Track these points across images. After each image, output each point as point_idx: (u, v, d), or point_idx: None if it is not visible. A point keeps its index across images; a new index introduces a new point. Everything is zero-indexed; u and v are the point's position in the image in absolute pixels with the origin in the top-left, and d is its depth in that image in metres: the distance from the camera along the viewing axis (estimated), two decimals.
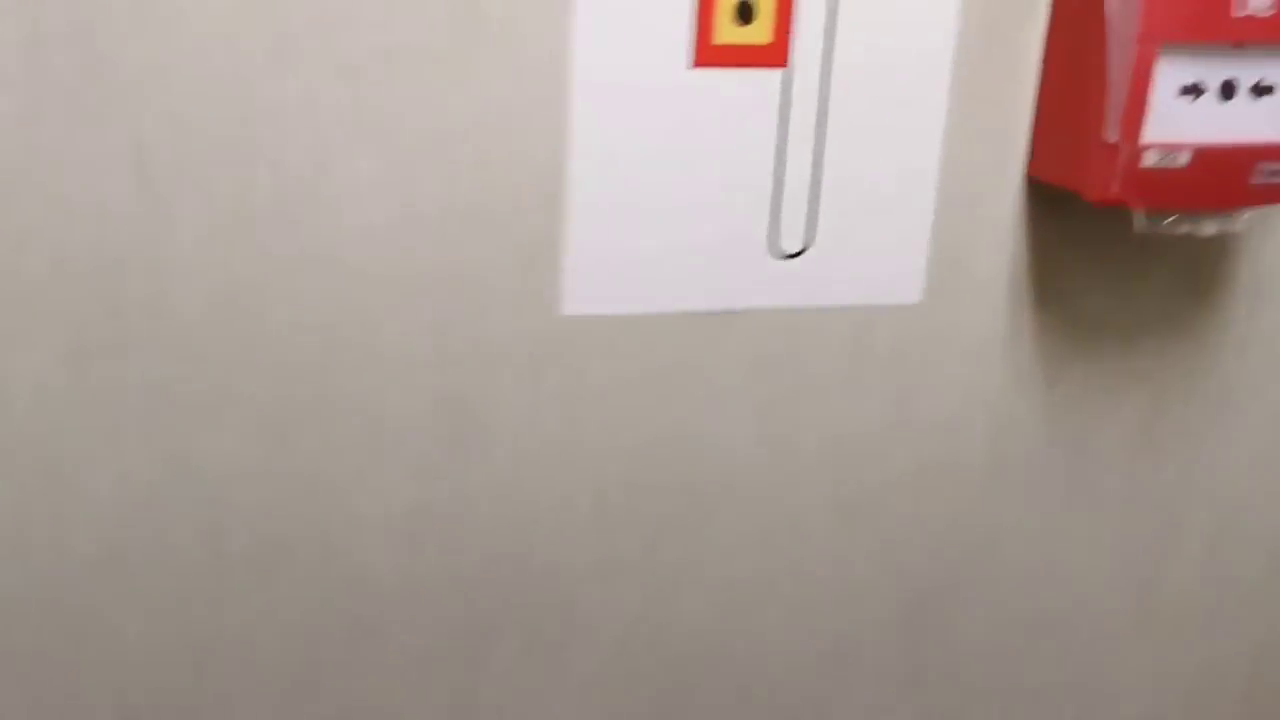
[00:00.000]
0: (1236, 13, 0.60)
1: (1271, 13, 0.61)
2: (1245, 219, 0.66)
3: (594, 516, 0.71)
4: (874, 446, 0.74)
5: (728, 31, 0.63)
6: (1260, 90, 0.63)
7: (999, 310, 0.73)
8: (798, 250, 0.68)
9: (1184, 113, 0.62)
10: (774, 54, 0.64)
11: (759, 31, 0.64)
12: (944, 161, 0.69)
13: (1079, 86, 0.65)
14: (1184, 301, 0.76)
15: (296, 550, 0.67)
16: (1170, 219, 0.65)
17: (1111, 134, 0.62)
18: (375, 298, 0.63)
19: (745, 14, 0.63)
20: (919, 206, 0.69)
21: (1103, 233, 0.72)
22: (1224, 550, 0.83)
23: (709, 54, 0.63)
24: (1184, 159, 0.62)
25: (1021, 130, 0.69)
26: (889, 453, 0.75)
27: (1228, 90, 0.63)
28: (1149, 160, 0.62)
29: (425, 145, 0.61)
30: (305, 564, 0.67)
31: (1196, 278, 0.76)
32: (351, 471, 0.67)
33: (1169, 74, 0.61)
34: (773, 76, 0.65)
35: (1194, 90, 0.62)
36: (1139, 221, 0.64)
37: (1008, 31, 0.67)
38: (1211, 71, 0.62)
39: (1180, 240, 0.70)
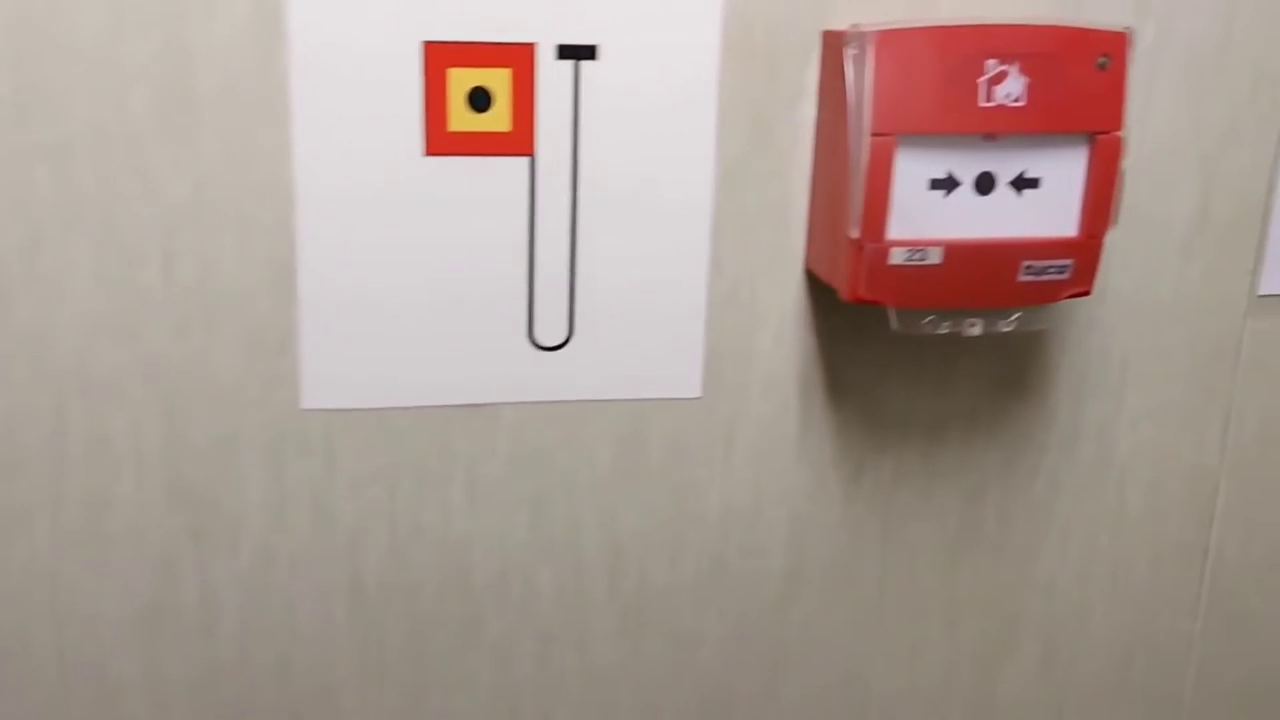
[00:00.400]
0: (983, 103, 0.57)
1: (1022, 103, 0.57)
2: (1018, 318, 0.61)
3: (352, 615, 0.68)
4: (659, 544, 0.71)
5: (463, 119, 0.61)
6: (1023, 183, 0.59)
7: (788, 405, 0.69)
8: (558, 343, 0.65)
9: (936, 208, 0.59)
10: (516, 142, 0.62)
11: (497, 119, 0.61)
12: (715, 252, 0.65)
13: (831, 179, 0.62)
14: (998, 397, 0.72)
15: (31, 652, 0.65)
16: (928, 319, 0.60)
17: (854, 230, 0.58)
18: (100, 386, 0.62)
19: (481, 101, 0.61)
20: (690, 298, 0.66)
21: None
22: (1061, 655, 0.78)
23: (444, 142, 0.61)
24: (936, 256, 0.58)
25: (799, 220, 0.66)
26: (677, 551, 0.71)
27: (984, 184, 0.59)
28: (896, 258, 0.58)
29: (144, 233, 0.59)
30: (39, 665, 0.65)
31: (1010, 372, 0.72)
32: (85, 568, 0.64)
33: (913, 168, 0.58)
34: (519, 164, 0.62)
35: (947, 184, 0.58)
36: (894, 321, 0.60)
37: (777, 112, 0.64)
38: (965, 165, 0.58)
39: (987, 335, 0.66)
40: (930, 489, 0.73)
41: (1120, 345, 0.73)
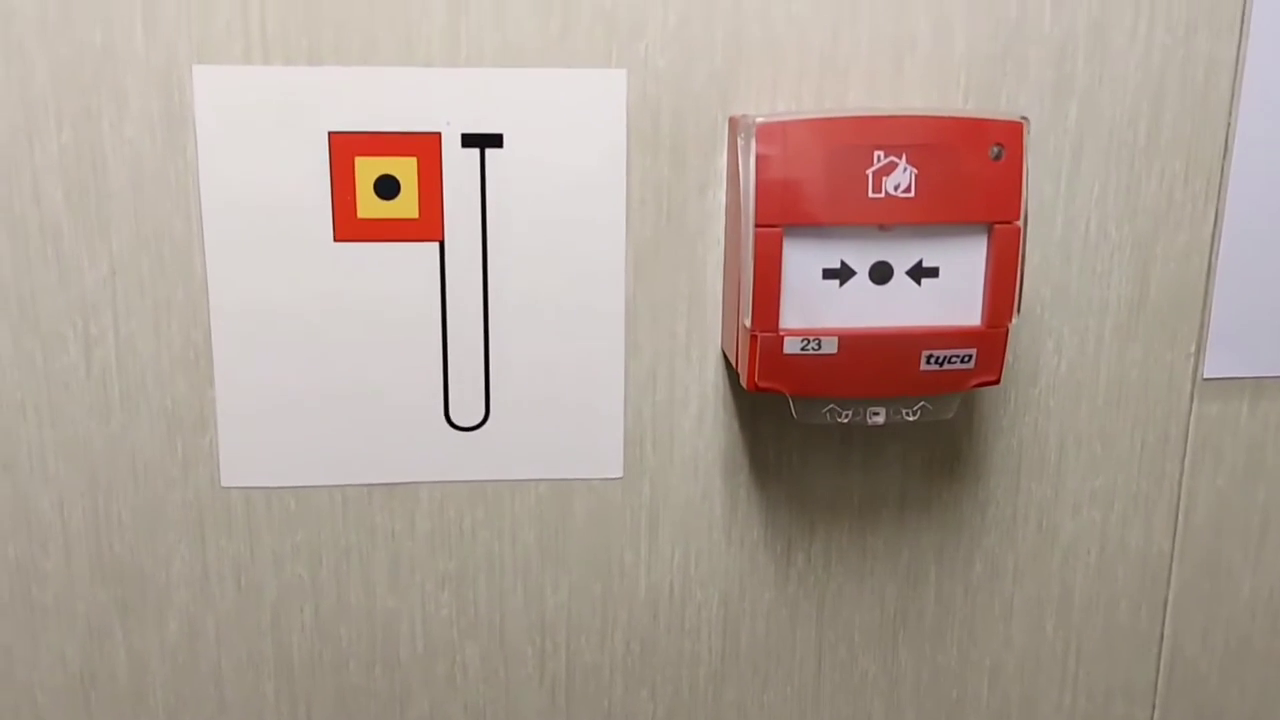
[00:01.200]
0: (872, 194, 0.56)
1: (912, 194, 0.56)
2: (922, 407, 0.61)
3: (279, 688, 0.69)
4: (587, 624, 0.71)
5: (371, 206, 0.62)
6: (921, 273, 0.59)
7: (713, 485, 0.69)
8: (475, 424, 0.66)
9: (831, 297, 0.58)
10: (425, 228, 0.63)
11: (405, 206, 0.62)
12: (630, 335, 0.66)
13: (731, 267, 0.62)
14: (930, 479, 0.71)
15: None
16: (828, 407, 0.60)
17: (745, 319, 0.58)
18: (25, 465, 0.64)
19: (388, 189, 0.62)
20: (608, 379, 0.66)
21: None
22: None
23: (353, 229, 0.62)
24: (831, 346, 0.58)
25: (714, 305, 0.66)
26: (605, 631, 0.71)
27: (880, 274, 0.58)
28: (791, 347, 0.58)
29: (59, 318, 0.62)
30: None
31: (941, 454, 0.70)
32: (16, 635, 0.66)
33: (805, 257, 0.58)
34: (428, 249, 0.63)
35: (841, 274, 0.58)
36: (794, 410, 0.60)
37: (686, 198, 0.64)
38: (859, 254, 0.58)
39: (915, 422, 0.65)
40: (864, 571, 0.72)
41: (1056, 428, 0.71)
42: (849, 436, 0.69)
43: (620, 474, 0.68)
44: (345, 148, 0.61)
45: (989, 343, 0.59)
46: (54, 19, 0.58)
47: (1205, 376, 0.71)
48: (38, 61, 0.59)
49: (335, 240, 0.62)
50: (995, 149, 0.56)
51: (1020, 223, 0.57)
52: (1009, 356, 0.65)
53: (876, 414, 0.60)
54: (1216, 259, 0.69)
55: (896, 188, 0.56)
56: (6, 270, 0.61)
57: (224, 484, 0.66)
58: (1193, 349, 0.70)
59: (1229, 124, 0.67)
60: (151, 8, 0.59)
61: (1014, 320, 0.59)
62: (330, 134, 0.61)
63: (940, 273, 0.58)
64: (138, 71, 0.59)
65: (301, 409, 0.64)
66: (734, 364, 0.62)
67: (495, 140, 0.62)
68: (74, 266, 0.61)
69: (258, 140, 0.60)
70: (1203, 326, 0.70)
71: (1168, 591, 0.75)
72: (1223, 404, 0.71)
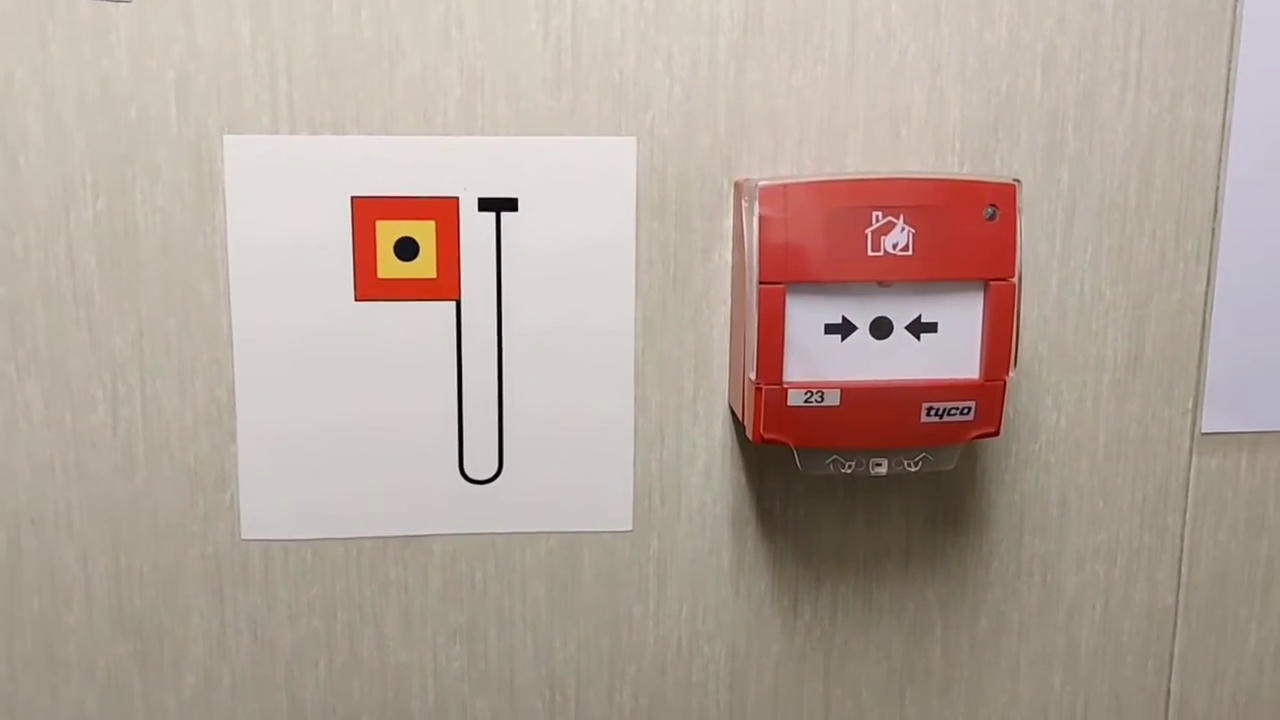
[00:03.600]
0: (871, 253, 0.59)
1: (909, 252, 0.59)
2: (923, 459, 0.62)
3: None
4: (596, 677, 0.72)
5: (391, 267, 0.65)
6: (920, 328, 0.61)
7: (720, 538, 0.71)
8: (488, 477, 0.68)
9: (833, 351, 0.60)
10: (442, 288, 0.65)
11: (423, 267, 0.65)
12: (639, 391, 0.68)
13: (738, 324, 0.64)
14: (934, 534, 0.72)
15: None
16: (831, 458, 0.62)
17: (751, 373, 0.60)
18: (51, 521, 0.66)
19: (408, 251, 0.65)
20: (617, 434, 0.68)
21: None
22: None
23: (373, 288, 0.65)
24: (834, 398, 0.60)
25: (720, 362, 0.68)
26: (614, 685, 0.72)
27: (881, 328, 0.60)
28: (794, 400, 0.60)
29: (91, 380, 0.64)
30: None
31: (944, 509, 0.72)
32: (38, 689, 0.68)
33: (807, 313, 0.60)
34: (445, 308, 0.66)
35: (842, 329, 0.60)
36: (798, 461, 0.62)
37: (692, 260, 0.66)
38: (859, 310, 0.60)
39: (917, 473, 0.66)
40: (870, 624, 0.73)
41: (1058, 483, 0.72)
42: (853, 490, 0.71)
43: (629, 527, 0.70)
44: (367, 212, 0.64)
45: (987, 395, 0.61)
46: (92, 97, 0.62)
47: (1203, 431, 0.72)
48: (76, 136, 0.62)
49: (356, 300, 0.65)
50: (989, 209, 0.59)
51: (1015, 279, 0.59)
52: (1008, 410, 0.67)
53: (879, 465, 0.62)
54: (1210, 316, 0.71)
55: (895, 246, 0.58)
56: (40, 334, 0.64)
57: (244, 537, 0.67)
58: (1190, 405, 0.72)
59: (1218, 186, 0.69)
60: (184, 84, 0.62)
61: (1011, 373, 0.61)
62: (353, 198, 0.64)
63: (939, 328, 0.60)
64: (170, 143, 0.62)
65: (321, 463, 0.66)
66: (740, 417, 0.64)
67: (510, 204, 0.64)
68: (104, 329, 0.64)
69: (284, 205, 0.63)
70: (1199, 382, 0.72)
71: (1173, 646, 0.76)
72: (1221, 458, 0.73)
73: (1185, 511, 0.74)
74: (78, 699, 0.69)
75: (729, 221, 0.66)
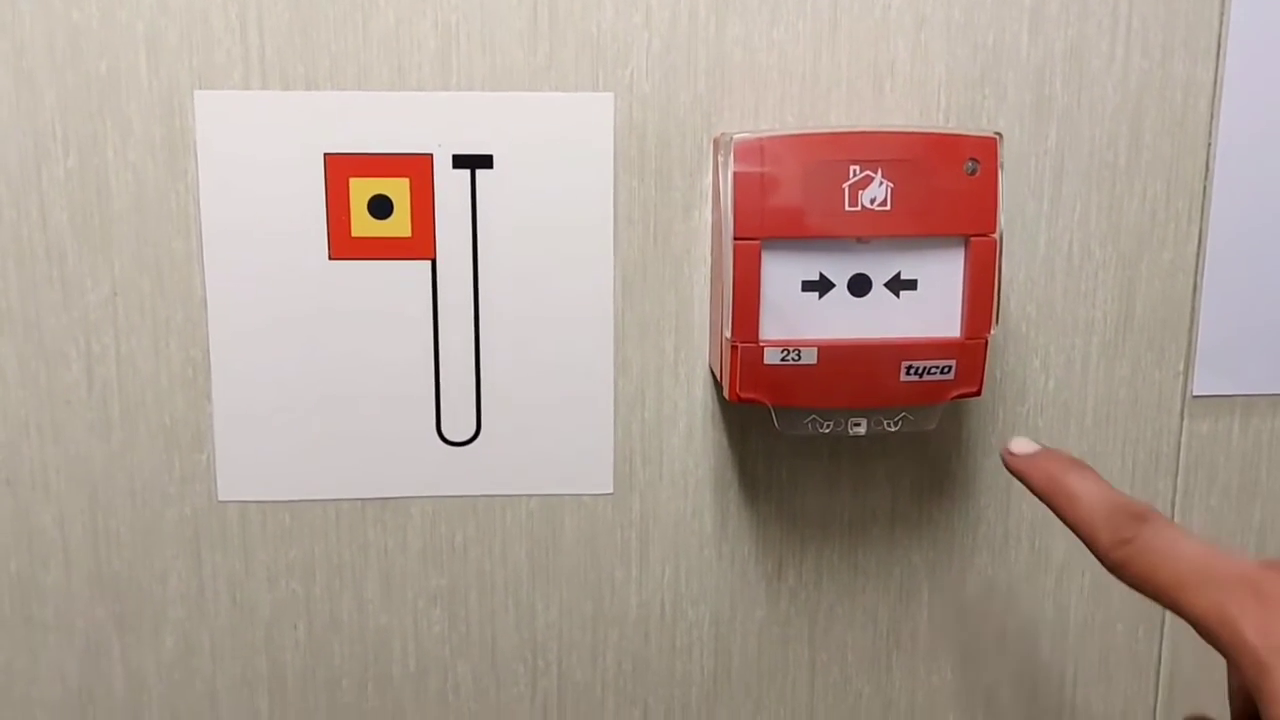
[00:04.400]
0: (849, 208, 0.58)
1: (888, 207, 0.58)
2: (903, 418, 0.61)
3: (273, 705, 0.70)
4: (578, 642, 0.71)
5: (365, 225, 0.64)
6: (899, 285, 0.60)
7: (703, 502, 0.70)
8: (466, 439, 0.67)
9: (810, 309, 0.59)
10: (417, 246, 0.65)
11: (398, 225, 0.64)
12: (619, 353, 0.67)
13: (716, 282, 0.63)
14: (919, 498, 0.71)
15: None
16: (809, 418, 0.61)
17: (727, 331, 0.59)
18: (28, 481, 0.65)
19: (382, 209, 0.64)
20: (597, 396, 0.67)
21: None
22: None
23: (347, 247, 0.64)
24: (811, 357, 0.59)
25: (701, 323, 0.67)
26: (597, 649, 0.72)
27: (859, 286, 0.59)
28: (771, 358, 0.59)
29: (62, 337, 0.64)
30: None
31: (930, 473, 0.71)
32: (16, 651, 0.68)
33: (783, 270, 0.59)
34: (420, 267, 0.65)
35: (820, 286, 0.59)
36: (776, 420, 0.61)
37: (672, 218, 0.65)
38: (837, 267, 0.59)
39: (902, 435, 0.65)
40: (856, 589, 0.72)
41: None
42: (838, 453, 0.70)
43: (610, 490, 0.69)
44: (340, 169, 0.63)
45: (968, 354, 0.60)
46: (62, 50, 0.61)
47: (1194, 394, 0.71)
48: (46, 91, 0.61)
49: (330, 259, 0.64)
50: (970, 164, 0.58)
51: (996, 235, 0.58)
52: (995, 372, 0.66)
53: (857, 424, 0.61)
54: (1202, 277, 0.69)
55: (873, 201, 0.57)
56: (13, 292, 0.63)
57: (220, 498, 0.67)
58: (1181, 367, 0.71)
59: (1209, 144, 0.68)
60: (155, 39, 0.61)
61: (993, 331, 0.60)
62: (326, 155, 0.63)
63: (919, 285, 0.59)
64: (141, 98, 0.62)
65: (298, 424, 0.66)
66: (719, 378, 0.63)
67: (485, 161, 0.64)
68: (77, 287, 0.63)
69: (256, 162, 0.62)
70: (1190, 344, 0.70)
71: (1164, 613, 0.74)
72: (1213, 422, 0.72)
73: (1176, 476, 0.73)
74: (58, 661, 0.69)
75: (709, 179, 0.65)
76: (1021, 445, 0.52)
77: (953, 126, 0.66)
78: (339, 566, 0.69)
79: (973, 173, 0.58)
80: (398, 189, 0.64)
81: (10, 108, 0.61)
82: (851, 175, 0.57)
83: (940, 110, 0.66)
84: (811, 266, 0.59)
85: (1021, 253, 0.68)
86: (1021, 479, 0.52)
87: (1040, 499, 0.51)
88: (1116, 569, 0.46)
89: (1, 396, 0.64)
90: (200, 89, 0.62)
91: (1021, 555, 0.73)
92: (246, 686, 0.70)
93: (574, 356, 0.67)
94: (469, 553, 0.69)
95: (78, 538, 0.67)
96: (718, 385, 0.68)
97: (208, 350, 0.65)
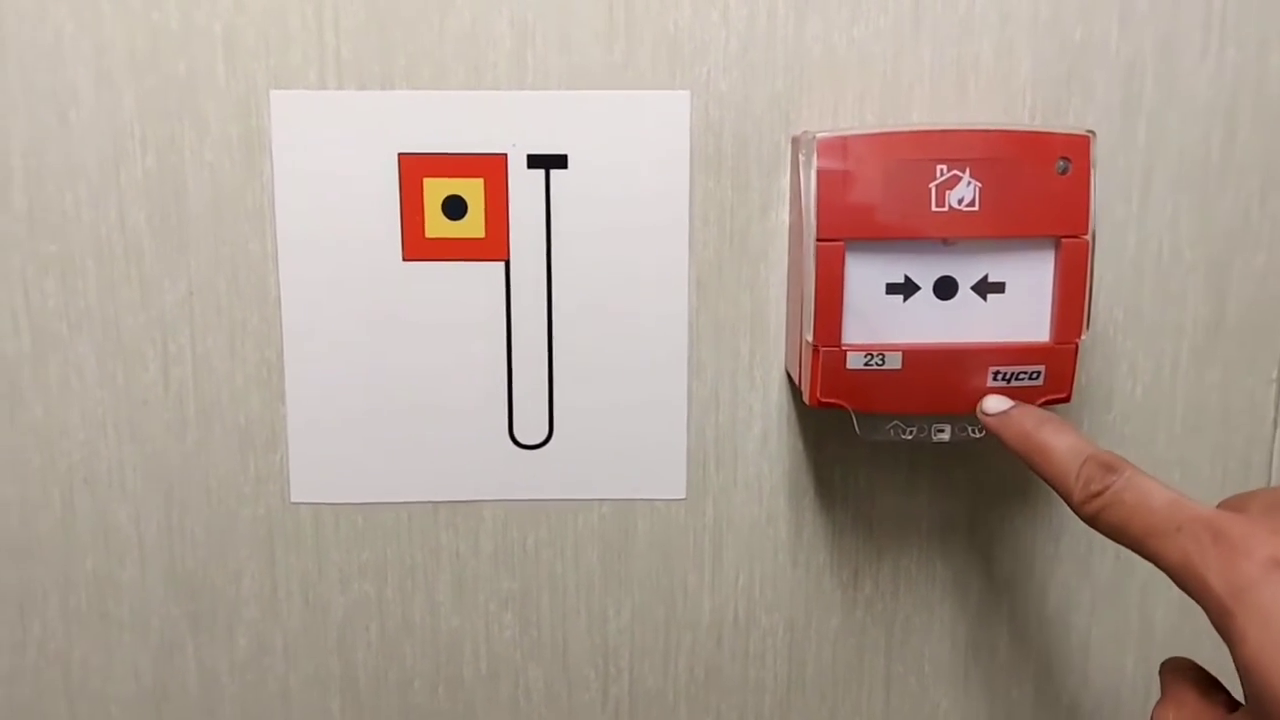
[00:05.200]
0: (936, 208, 0.56)
1: (976, 208, 0.56)
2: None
3: (345, 706, 0.70)
4: (650, 648, 0.70)
5: (439, 226, 0.64)
6: (987, 288, 0.58)
7: (778, 508, 0.69)
8: (539, 442, 0.67)
9: (894, 312, 0.58)
10: (491, 247, 0.64)
11: (472, 226, 0.64)
12: (693, 355, 0.66)
13: (795, 284, 0.62)
14: (1001, 506, 0.69)
15: None
16: (892, 424, 0.59)
17: (808, 334, 0.58)
18: (104, 480, 0.66)
19: (456, 210, 0.63)
20: (670, 400, 0.66)
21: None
22: None
23: (421, 248, 0.64)
24: (895, 361, 0.58)
25: (777, 325, 0.66)
26: (669, 656, 0.71)
27: (945, 288, 0.58)
28: (854, 362, 0.58)
29: (139, 337, 0.64)
30: None
31: (1012, 481, 0.69)
32: (93, 648, 0.68)
33: (867, 272, 0.57)
34: (494, 268, 0.64)
35: (904, 289, 0.58)
36: (857, 426, 0.59)
37: (749, 219, 0.64)
38: (923, 269, 0.58)
39: (983, 441, 0.64)
40: (934, 599, 0.71)
41: (1133, 456, 0.68)
42: (917, 459, 0.68)
43: (683, 495, 0.68)
44: (415, 169, 0.63)
45: (1058, 359, 0.58)
46: (142, 51, 0.61)
47: None
48: (125, 92, 0.62)
49: (404, 259, 0.64)
50: (1061, 163, 0.56)
51: (1088, 236, 0.57)
52: (1081, 377, 0.64)
53: (941, 431, 0.59)
54: None
55: (960, 201, 0.56)
56: (92, 291, 0.64)
57: (293, 500, 0.67)
58: (1274, 374, 0.68)
59: None
60: (232, 39, 0.61)
61: (1083, 336, 0.58)
62: (400, 156, 0.62)
63: (1007, 288, 0.58)
64: (218, 99, 0.62)
65: (370, 426, 0.66)
66: (797, 382, 0.62)
67: (560, 161, 0.63)
68: (155, 287, 0.64)
69: (331, 162, 0.62)
70: None
71: None
72: None
73: (1269, 484, 0.70)
74: (131, 658, 0.69)
75: (787, 179, 0.64)
76: (995, 404, 0.55)
77: (1038, 125, 0.64)
78: (411, 569, 0.68)
79: (1064, 172, 0.56)
80: (472, 189, 0.63)
81: (90, 108, 0.62)
82: (938, 175, 0.56)
83: (1025, 108, 0.64)
84: (896, 269, 0.58)
85: (1108, 254, 0.66)
86: (997, 436, 0.54)
87: (1016, 456, 0.52)
88: (1090, 521, 0.47)
89: (80, 396, 0.65)
90: (276, 89, 0.62)
91: (1106, 567, 0.71)
92: (319, 686, 0.70)
93: (647, 359, 0.66)
94: (540, 556, 0.69)
95: (153, 536, 0.67)
96: (794, 388, 0.66)
97: (282, 351, 0.65)
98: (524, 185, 0.63)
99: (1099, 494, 0.46)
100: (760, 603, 0.70)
